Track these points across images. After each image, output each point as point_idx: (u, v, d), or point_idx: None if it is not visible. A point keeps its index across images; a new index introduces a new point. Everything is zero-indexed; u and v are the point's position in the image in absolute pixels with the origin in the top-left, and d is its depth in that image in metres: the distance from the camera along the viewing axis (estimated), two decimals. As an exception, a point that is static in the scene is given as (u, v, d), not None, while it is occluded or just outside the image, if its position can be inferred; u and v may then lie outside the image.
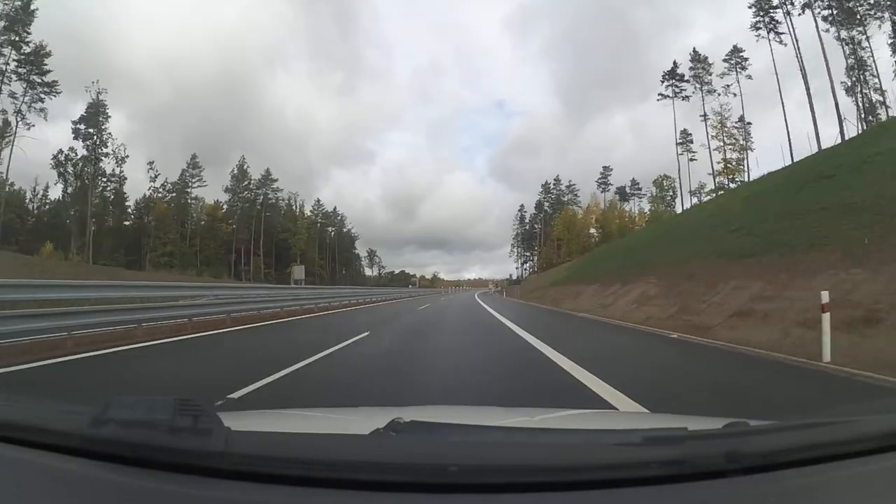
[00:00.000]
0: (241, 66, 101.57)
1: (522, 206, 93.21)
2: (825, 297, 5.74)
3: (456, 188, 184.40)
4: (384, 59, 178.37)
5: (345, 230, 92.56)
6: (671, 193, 61.18)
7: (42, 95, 37.07)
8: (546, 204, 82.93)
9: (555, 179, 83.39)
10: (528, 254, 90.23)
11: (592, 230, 69.26)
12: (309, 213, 79.37)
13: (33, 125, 36.62)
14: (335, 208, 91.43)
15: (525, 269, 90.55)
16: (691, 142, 53.49)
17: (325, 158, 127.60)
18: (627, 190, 70.95)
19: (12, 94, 35.47)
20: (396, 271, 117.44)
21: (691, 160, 52.67)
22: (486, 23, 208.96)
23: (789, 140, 37.93)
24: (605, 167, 73.91)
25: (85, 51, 65.74)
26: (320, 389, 4.52)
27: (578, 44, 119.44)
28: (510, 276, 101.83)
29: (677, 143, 53.92)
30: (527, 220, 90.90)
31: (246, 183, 66.79)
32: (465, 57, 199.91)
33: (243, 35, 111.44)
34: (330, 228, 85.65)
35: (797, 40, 36.07)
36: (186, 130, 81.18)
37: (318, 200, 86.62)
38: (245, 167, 67.20)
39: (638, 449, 0.71)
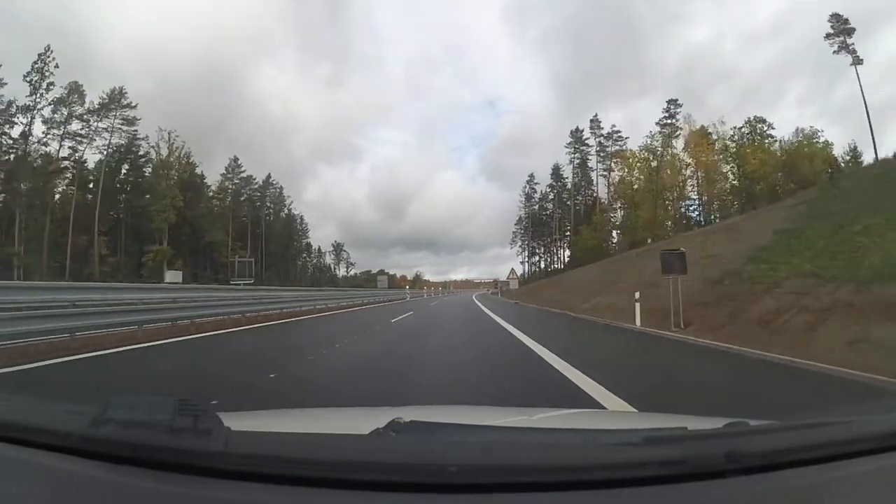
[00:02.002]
0: (226, 56, 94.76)
1: (532, 175, 66.23)
2: None
3: (445, 187, 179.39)
4: (375, 53, 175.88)
5: (286, 208, 65.18)
6: (767, 140, 41.28)
7: None
8: (574, 162, 56.90)
9: (591, 120, 54.37)
10: (535, 243, 66.48)
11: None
12: (220, 178, 53.94)
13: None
14: (269, 176, 62.75)
15: (531, 265, 67.59)
16: (850, 31, 32.80)
17: (312, 155, 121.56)
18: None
19: None
20: (374, 270, 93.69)
21: (855, 63, 32.69)
22: (480, 16, 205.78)
23: None
24: (670, 101, 45.69)
25: (61, 40, 58.23)
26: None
27: (575, 39, 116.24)
28: (513, 272, 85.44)
29: (828, 36, 33.19)
30: (536, 198, 65.61)
31: (79, 111, 38.07)
32: (458, 52, 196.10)
33: (229, 22, 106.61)
34: (268, 206, 61.90)
35: None
36: (167, 124, 66.24)
37: (236, 159, 56.87)
38: (52, 61, 35.44)
39: (638, 449, 0.71)
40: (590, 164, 57.05)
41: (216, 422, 0.75)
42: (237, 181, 58.08)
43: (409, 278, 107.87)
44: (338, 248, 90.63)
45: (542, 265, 66.49)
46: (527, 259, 69.58)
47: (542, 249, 66.47)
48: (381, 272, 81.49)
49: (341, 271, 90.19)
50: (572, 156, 57.35)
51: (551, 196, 62.84)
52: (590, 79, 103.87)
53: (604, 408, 3.62)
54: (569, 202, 59.05)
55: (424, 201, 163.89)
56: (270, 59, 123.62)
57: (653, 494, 0.66)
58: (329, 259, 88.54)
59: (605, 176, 54.38)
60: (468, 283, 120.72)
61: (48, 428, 0.85)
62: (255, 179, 60.75)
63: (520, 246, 71.17)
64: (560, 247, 62.41)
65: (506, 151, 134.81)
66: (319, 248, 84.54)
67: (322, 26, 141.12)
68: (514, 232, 71.25)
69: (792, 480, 0.69)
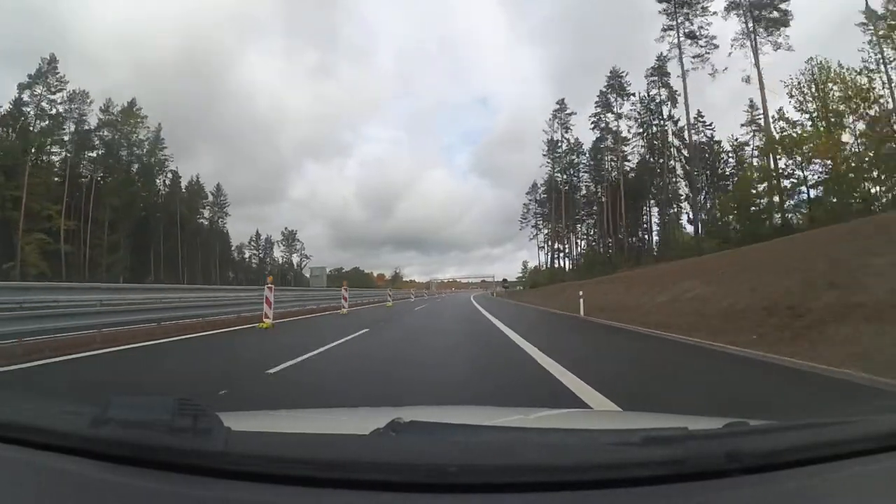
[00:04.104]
0: (209, 43, 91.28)
1: (562, 102, 41.54)
2: None
3: (435, 186, 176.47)
4: (365, 45, 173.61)
5: (159, 157, 43.28)
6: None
7: None
8: (678, 46, 29.54)
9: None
10: (562, 221, 42.17)
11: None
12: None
13: None
14: (133, 102, 39.84)
15: (554, 253, 43.96)
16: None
17: (299, 150, 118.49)
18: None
19: None
20: (370, 270, 79.39)
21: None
22: (475, 8, 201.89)
23: None
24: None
25: (37, 26, 54.90)
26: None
27: (574, 31, 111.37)
28: (524, 265, 64.65)
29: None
30: (563, 146, 39.59)
31: None
32: (451, 45, 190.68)
33: (212, 5, 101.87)
34: (123, 149, 39.24)
35: None
36: (148, 114, 55.45)
37: (52, 59, 34.26)
38: None
39: (638, 449, 0.71)
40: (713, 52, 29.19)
41: (216, 422, 0.75)
42: (51, 98, 31.59)
43: (385, 277, 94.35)
44: (289, 237, 67.94)
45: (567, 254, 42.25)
46: (547, 244, 44.49)
47: (565, 233, 42.31)
48: (318, 267, 47.26)
49: (302, 266, 67.22)
50: (675, 27, 27.71)
51: (602, 126, 34.86)
52: (588, 73, 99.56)
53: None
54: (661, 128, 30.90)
55: (414, 200, 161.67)
56: (256, 44, 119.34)
57: (653, 494, 0.66)
58: (279, 251, 69.25)
59: (758, 46, 26.81)
60: (455, 283, 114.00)
61: (48, 428, 0.85)
62: (89, 98, 34.78)
63: (534, 226, 46.78)
64: (586, 225, 39.63)
65: (498, 148, 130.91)
66: (269, 238, 64.45)
67: (311, 14, 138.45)
68: (525, 205, 46.94)
69: (792, 480, 0.69)
